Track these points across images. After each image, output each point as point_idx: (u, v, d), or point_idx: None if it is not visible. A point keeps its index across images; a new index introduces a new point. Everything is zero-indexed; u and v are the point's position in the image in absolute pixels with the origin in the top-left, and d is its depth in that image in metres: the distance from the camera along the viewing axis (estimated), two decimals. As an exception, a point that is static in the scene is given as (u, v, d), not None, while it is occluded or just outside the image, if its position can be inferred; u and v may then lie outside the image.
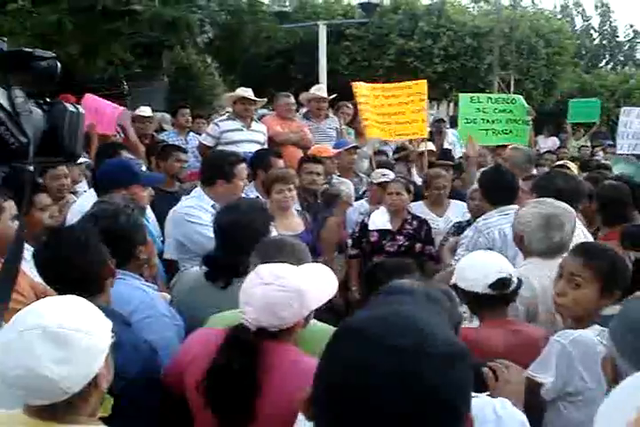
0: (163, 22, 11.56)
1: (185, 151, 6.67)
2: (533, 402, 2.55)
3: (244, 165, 4.84)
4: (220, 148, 7.76)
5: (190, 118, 10.15)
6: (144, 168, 4.46)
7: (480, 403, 2.01)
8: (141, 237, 3.24)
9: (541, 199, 3.93)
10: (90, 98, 7.67)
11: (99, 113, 7.28)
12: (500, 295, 3.17)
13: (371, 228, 6.04)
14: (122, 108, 7.97)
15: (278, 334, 2.52)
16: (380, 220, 6.05)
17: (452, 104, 21.06)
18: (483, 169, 5.81)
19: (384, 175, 6.66)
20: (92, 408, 1.98)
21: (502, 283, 3.14)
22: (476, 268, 3.20)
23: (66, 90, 10.81)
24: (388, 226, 6.02)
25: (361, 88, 8.25)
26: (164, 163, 6.26)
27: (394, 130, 8.02)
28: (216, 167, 4.79)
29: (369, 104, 8.10)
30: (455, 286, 3.13)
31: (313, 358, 2.60)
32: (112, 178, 4.25)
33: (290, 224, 5.06)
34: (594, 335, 2.72)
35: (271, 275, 2.51)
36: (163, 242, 5.10)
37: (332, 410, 1.23)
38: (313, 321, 2.82)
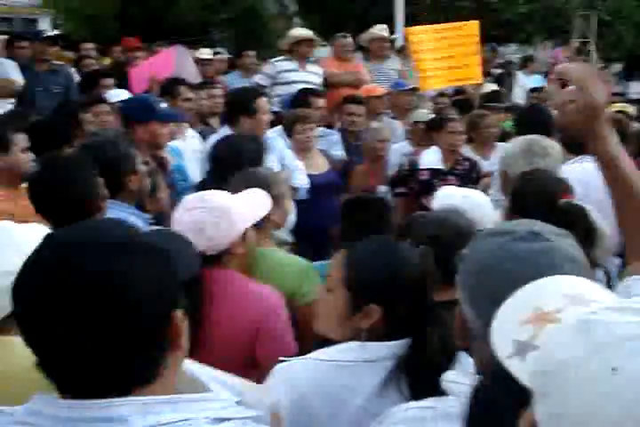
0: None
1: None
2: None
3: (264, 99, 4.81)
4: (275, 88, 7.80)
5: (255, 60, 10.14)
6: (164, 105, 4.48)
7: None
8: (130, 167, 3.30)
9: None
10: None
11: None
12: None
13: (421, 166, 5.91)
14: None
15: (219, 259, 2.55)
16: (431, 159, 5.88)
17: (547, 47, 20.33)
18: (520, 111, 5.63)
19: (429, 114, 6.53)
20: None
21: None
22: None
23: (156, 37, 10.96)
24: (440, 165, 5.88)
25: (415, 33, 7.82)
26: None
27: (447, 75, 7.61)
28: (237, 104, 4.77)
29: (424, 51, 7.64)
30: None
31: (263, 286, 2.63)
32: (131, 113, 4.33)
33: (314, 164, 5.04)
34: None
35: (194, 200, 2.60)
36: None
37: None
38: (283, 253, 2.82)
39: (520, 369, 1.08)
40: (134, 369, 1.19)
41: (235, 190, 2.80)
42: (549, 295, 1.16)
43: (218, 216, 2.51)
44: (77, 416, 1.15)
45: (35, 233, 1.91)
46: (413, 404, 1.58)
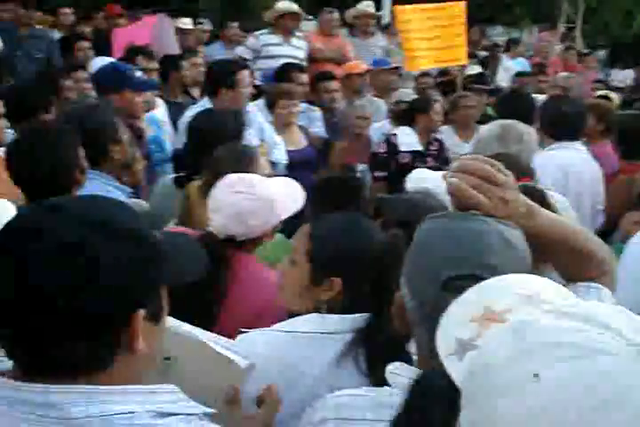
0: None
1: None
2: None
3: (246, 73, 4.74)
4: (258, 62, 7.72)
5: (239, 32, 9.99)
6: (139, 74, 4.39)
7: None
8: (114, 136, 3.21)
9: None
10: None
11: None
12: None
13: (402, 149, 5.78)
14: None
15: (244, 243, 2.52)
16: (410, 140, 5.78)
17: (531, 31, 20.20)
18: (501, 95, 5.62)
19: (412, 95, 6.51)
20: None
21: None
22: None
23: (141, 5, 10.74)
24: (419, 147, 5.79)
25: (403, 12, 7.59)
26: (176, 73, 6.18)
27: (433, 56, 7.40)
28: (218, 76, 4.71)
29: (411, 31, 7.44)
30: None
31: (274, 271, 2.60)
32: (104, 82, 4.24)
33: (293, 140, 5.02)
34: None
35: (241, 183, 2.52)
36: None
37: None
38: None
39: (456, 369, 1.03)
40: (76, 359, 1.12)
41: (218, 164, 2.76)
42: (502, 294, 1.10)
43: (262, 207, 2.47)
44: (9, 395, 1.10)
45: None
46: (347, 391, 1.56)
